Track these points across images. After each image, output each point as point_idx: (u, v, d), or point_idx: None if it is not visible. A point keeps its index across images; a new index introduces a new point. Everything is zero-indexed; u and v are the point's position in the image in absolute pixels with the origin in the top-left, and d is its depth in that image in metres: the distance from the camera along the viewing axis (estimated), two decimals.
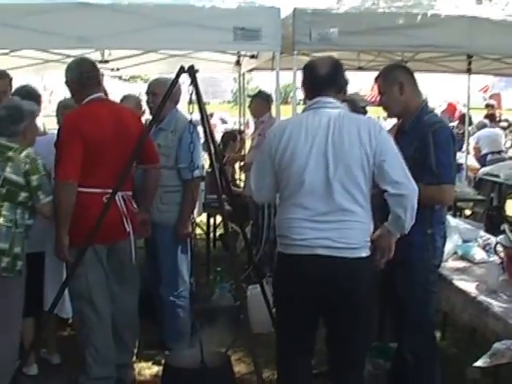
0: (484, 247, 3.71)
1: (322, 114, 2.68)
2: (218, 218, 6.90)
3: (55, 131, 3.88)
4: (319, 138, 2.64)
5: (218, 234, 7.28)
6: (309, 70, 2.75)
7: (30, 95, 3.74)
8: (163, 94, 3.65)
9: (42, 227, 3.61)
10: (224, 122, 16.33)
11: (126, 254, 3.52)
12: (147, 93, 4.12)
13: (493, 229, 3.96)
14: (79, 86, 3.43)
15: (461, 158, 7.20)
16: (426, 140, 2.86)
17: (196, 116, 3.32)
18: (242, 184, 6.90)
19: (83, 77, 3.41)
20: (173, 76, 3.32)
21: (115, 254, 3.54)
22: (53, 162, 3.44)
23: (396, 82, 3.06)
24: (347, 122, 2.66)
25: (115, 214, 3.41)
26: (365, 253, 2.71)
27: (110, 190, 3.36)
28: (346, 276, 2.64)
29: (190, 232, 3.88)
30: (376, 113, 8.57)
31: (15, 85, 4.14)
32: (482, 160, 9.13)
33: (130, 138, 3.40)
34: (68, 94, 3.80)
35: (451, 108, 14.78)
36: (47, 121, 4.35)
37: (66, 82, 3.52)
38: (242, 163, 6.85)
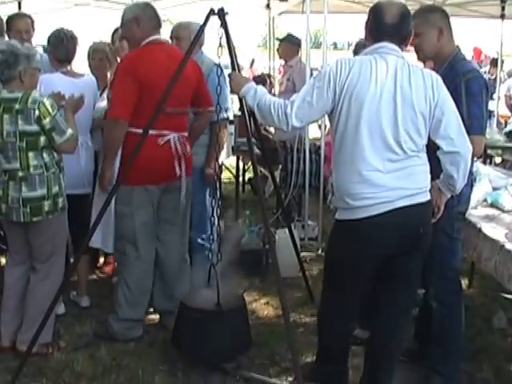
0: None
1: (389, 60, 2.57)
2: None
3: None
4: (388, 85, 2.53)
5: (247, 177, 7.24)
6: (376, 13, 2.61)
7: (67, 37, 3.70)
8: (186, 37, 3.52)
9: (82, 170, 3.65)
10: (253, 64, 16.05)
11: (177, 197, 3.48)
12: (171, 37, 4.03)
13: None
14: (139, 27, 3.36)
15: (492, 104, 6.96)
16: (459, 89, 2.77)
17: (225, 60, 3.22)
18: (271, 128, 6.79)
19: (145, 17, 3.35)
20: (201, 20, 3.21)
21: (167, 196, 3.50)
22: (88, 102, 3.48)
23: (435, 27, 2.95)
24: (413, 71, 2.58)
25: (168, 156, 3.36)
26: (430, 196, 2.68)
27: (165, 132, 3.33)
28: (421, 220, 2.61)
29: (215, 173, 3.83)
30: None
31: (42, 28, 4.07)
32: None
33: (186, 82, 3.34)
34: (94, 39, 3.75)
35: (476, 52, 14.27)
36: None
37: (123, 24, 3.44)
38: None
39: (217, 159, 3.86)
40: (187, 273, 3.76)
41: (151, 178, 3.38)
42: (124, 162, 3.38)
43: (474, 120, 2.74)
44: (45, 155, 3.19)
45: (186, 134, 3.54)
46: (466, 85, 2.80)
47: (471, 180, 3.04)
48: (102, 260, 4.73)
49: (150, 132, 3.21)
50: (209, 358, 3.16)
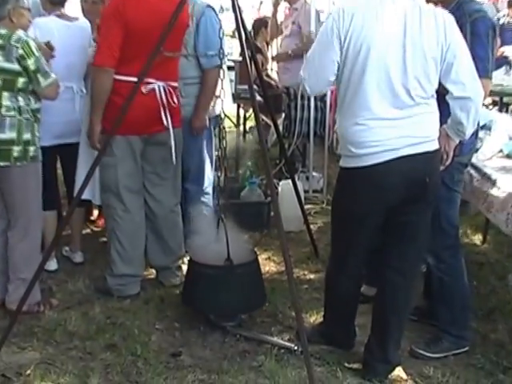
0: None
1: (396, 3, 2.50)
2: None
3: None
4: (396, 29, 2.47)
5: (248, 126, 7.15)
6: None
7: None
8: None
9: (77, 117, 3.58)
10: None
11: (164, 149, 3.43)
12: None
13: None
14: None
15: (508, 50, 6.75)
16: (464, 30, 2.67)
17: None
18: (274, 74, 6.63)
19: None
20: None
21: (152, 148, 3.47)
22: (82, 47, 3.47)
23: None
24: (424, 13, 2.50)
25: (152, 106, 3.30)
26: (438, 144, 2.64)
27: (151, 80, 3.26)
28: (428, 169, 2.59)
29: (205, 125, 3.69)
30: None
31: None
32: None
33: (179, 25, 3.23)
34: None
35: None
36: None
37: None
38: (275, 53, 6.55)
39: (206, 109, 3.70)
40: (180, 226, 3.73)
41: (132, 129, 3.31)
42: (108, 111, 3.28)
43: (479, 62, 2.64)
44: (20, 98, 3.08)
45: (175, 83, 3.44)
46: (472, 25, 2.74)
47: (476, 130, 2.94)
48: (95, 213, 4.67)
49: (131, 79, 3.15)
50: (224, 314, 3.18)
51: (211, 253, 3.17)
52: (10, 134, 3.07)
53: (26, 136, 3.12)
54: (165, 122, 3.34)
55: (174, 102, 3.40)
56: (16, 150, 3.10)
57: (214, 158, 4.00)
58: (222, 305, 3.11)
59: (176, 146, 3.45)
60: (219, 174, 3.30)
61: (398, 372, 2.84)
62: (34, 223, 3.25)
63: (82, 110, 3.60)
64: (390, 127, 2.50)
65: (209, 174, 4.00)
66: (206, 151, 3.96)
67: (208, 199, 4.02)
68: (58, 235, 3.14)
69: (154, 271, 3.84)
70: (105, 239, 4.03)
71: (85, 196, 3.35)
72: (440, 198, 2.82)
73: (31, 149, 3.16)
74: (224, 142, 3.27)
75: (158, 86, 3.31)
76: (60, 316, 3.31)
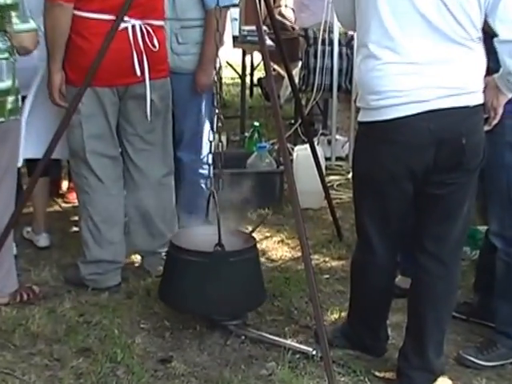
0: None
1: None
2: (257, 57, 6.72)
3: None
4: None
5: (256, 78, 7.18)
6: None
7: None
8: None
9: (34, 64, 3.57)
10: None
11: (142, 104, 3.45)
12: None
13: None
14: None
15: None
16: None
17: None
18: (289, 12, 6.56)
19: None
20: None
21: (132, 104, 3.50)
22: None
23: None
24: None
25: (125, 50, 3.30)
26: (482, 98, 2.63)
27: (126, 18, 3.24)
28: (465, 128, 2.58)
29: (212, 81, 3.68)
30: None
31: None
32: None
33: None
34: None
35: None
36: None
37: None
38: None
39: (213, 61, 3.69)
40: (170, 203, 3.75)
41: (100, 79, 3.29)
42: (70, 57, 3.31)
43: None
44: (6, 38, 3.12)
45: (157, 22, 3.44)
46: None
47: None
48: (65, 185, 4.69)
49: (101, 17, 3.18)
50: (207, 314, 3.18)
51: (199, 236, 3.18)
52: (8, 82, 3.12)
53: (17, 83, 3.17)
54: (137, 71, 3.33)
55: (153, 46, 3.37)
56: (10, 102, 3.14)
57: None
58: (207, 302, 3.10)
59: (159, 100, 3.46)
60: (213, 137, 3.29)
61: None
62: (5, 190, 3.27)
63: (43, 53, 3.55)
64: (416, 73, 2.52)
65: (208, 141, 3.99)
66: (205, 112, 3.95)
67: (205, 170, 3.96)
68: (17, 214, 3.14)
69: (138, 257, 3.85)
70: (76, 218, 4.05)
71: (54, 155, 3.37)
72: (506, 166, 2.82)
73: (20, 98, 3.23)
74: (218, 96, 3.25)
75: (132, 26, 3.30)
76: (20, 313, 3.30)
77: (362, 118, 2.71)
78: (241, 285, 3.12)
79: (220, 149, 3.21)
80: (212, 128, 3.75)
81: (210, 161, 3.40)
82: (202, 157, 3.96)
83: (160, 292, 3.25)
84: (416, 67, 2.51)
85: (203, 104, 3.92)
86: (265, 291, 3.29)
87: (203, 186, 3.93)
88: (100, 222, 3.51)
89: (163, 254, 3.68)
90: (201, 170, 3.97)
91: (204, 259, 3.08)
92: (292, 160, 4.60)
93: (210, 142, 3.33)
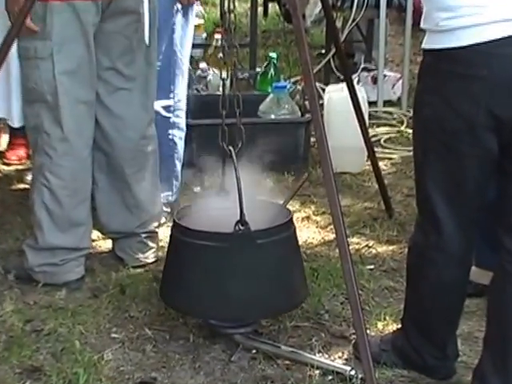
0: None
1: None
2: None
3: None
4: None
5: None
6: None
7: None
8: None
9: None
10: None
11: (132, 23, 3.54)
12: None
13: None
14: None
15: None
16: None
17: None
18: None
19: None
20: None
21: (112, 22, 3.53)
22: None
23: None
24: None
25: None
26: None
27: None
28: None
29: None
30: None
31: None
32: None
33: None
34: None
35: None
36: None
37: None
38: None
39: None
40: (155, 163, 3.79)
41: None
42: None
43: None
44: None
45: None
46: None
47: None
48: (3, 141, 4.75)
49: None
50: (230, 320, 3.21)
51: (210, 213, 3.20)
52: None
53: None
54: None
55: None
56: None
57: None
58: (231, 304, 3.11)
59: (150, 16, 3.53)
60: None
61: None
62: None
63: None
64: None
65: (183, 80, 4.10)
66: (180, 41, 4.01)
67: (181, 119, 4.12)
68: None
69: (108, 241, 3.88)
70: (22, 187, 4.12)
71: None
72: None
73: None
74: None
75: None
76: None
77: (427, 44, 2.71)
78: (273, 276, 3.14)
79: (231, 90, 3.22)
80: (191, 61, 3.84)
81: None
82: (175, 101, 4.06)
83: (162, 291, 3.29)
84: None
85: (180, 28, 4.02)
86: (306, 285, 3.30)
87: (178, 141, 4.06)
88: (64, 197, 3.54)
89: (143, 236, 3.74)
90: (174, 119, 4.07)
91: (221, 243, 3.09)
92: (322, 105, 4.61)
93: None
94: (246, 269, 3.08)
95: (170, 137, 4.11)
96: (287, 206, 3.40)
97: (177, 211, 3.41)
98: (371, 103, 5.27)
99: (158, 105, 4.02)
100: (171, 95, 4.10)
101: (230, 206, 3.09)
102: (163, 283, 3.29)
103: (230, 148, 3.12)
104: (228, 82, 3.25)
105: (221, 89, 3.26)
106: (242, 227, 3.04)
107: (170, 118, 4.10)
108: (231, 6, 3.16)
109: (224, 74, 3.25)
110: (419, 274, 2.93)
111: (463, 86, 2.62)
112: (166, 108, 4.09)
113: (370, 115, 4.91)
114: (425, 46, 2.72)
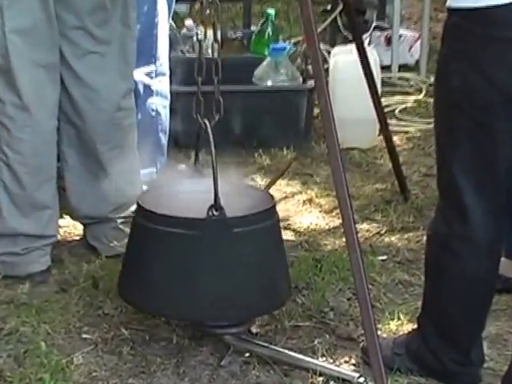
0: None
1: None
2: None
3: None
4: None
5: None
6: None
7: None
8: None
9: None
10: None
11: None
12: None
13: None
14: None
15: None
16: None
17: None
18: None
19: None
20: None
21: None
22: None
23: None
24: None
25: None
26: None
27: None
28: None
29: None
30: None
31: None
32: None
33: None
34: None
35: None
36: None
37: None
38: None
39: None
40: (133, 139, 3.81)
41: None
42: None
43: None
44: None
45: None
46: None
47: None
48: None
49: None
50: (198, 319, 3.21)
51: (183, 195, 3.22)
52: None
53: None
54: None
55: None
56: None
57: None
58: (200, 302, 3.09)
59: None
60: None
61: None
62: None
63: None
64: None
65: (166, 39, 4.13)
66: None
67: (164, 85, 4.15)
68: None
69: (79, 227, 3.90)
70: None
71: None
72: None
73: None
74: None
75: None
76: None
77: (455, 2, 2.71)
78: (251, 271, 3.13)
79: (213, 51, 3.17)
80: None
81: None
82: (156, 65, 4.10)
83: (121, 285, 3.27)
84: None
85: None
86: (289, 282, 3.31)
87: (162, 110, 4.10)
88: (24, 174, 3.56)
89: (119, 221, 3.76)
90: (157, 86, 4.10)
91: (192, 230, 3.08)
92: (328, 70, 4.61)
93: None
94: (219, 262, 3.08)
95: (153, 106, 4.14)
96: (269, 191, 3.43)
97: (141, 193, 3.44)
98: (384, 68, 5.30)
99: (139, 72, 4.04)
100: (153, 59, 4.12)
101: (205, 188, 3.07)
102: (122, 276, 3.28)
103: (205, 121, 3.10)
104: (211, 44, 3.19)
105: (208, 51, 3.23)
106: (215, 213, 3.02)
107: (151, 85, 4.11)
108: None
109: (201, 35, 3.25)
110: (440, 267, 2.94)
111: (499, 51, 2.63)
112: (148, 74, 4.11)
113: (382, 82, 4.93)
114: (451, 3, 2.71)
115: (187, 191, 3.24)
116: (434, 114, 2.89)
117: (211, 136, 3.03)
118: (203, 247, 3.07)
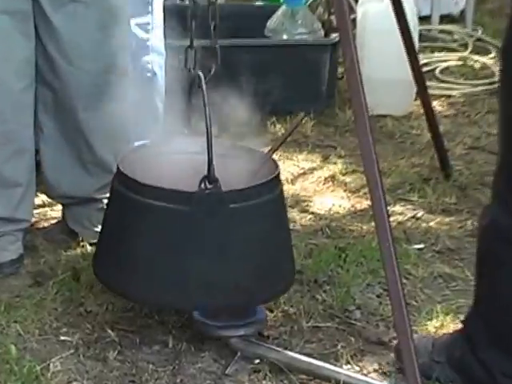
0: None
1: None
2: None
3: None
4: None
5: None
6: None
7: None
8: None
9: None
10: None
11: None
12: None
13: None
14: None
15: None
16: None
17: None
18: None
19: None
20: None
21: None
22: None
23: None
24: None
25: None
26: None
27: None
28: None
29: None
30: None
31: None
32: None
33: None
34: None
35: None
36: None
37: None
38: None
39: None
40: (123, 108, 3.77)
41: None
42: None
43: None
44: None
45: None
46: None
47: None
48: None
49: None
50: (188, 309, 3.26)
51: (172, 161, 3.25)
52: None
53: None
54: None
55: None
56: None
57: None
58: (189, 287, 3.11)
59: None
60: None
61: None
62: None
63: None
64: None
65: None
66: None
67: (159, 40, 4.19)
68: None
69: (57, 208, 3.95)
70: None
71: None
72: None
73: None
74: None
75: None
76: None
77: None
78: (249, 252, 3.16)
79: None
80: None
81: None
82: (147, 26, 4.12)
83: (97, 266, 3.30)
84: None
85: None
86: (293, 265, 3.33)
87: (158, 70, 4.14)
88: None
89: (105, 202, 3.74)
90: (153, 40, 4.14)
91: (180, 205, 3.09)
92: (355, 21, 4.64)
93: None
94: (212, 241, 3.11)
95: (149, 65, 4.15)
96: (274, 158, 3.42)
97: (121, 156, 3.40)
98: (423, 18, 5.33)
99: (131, 24, 4.04)
100: (149, 8, 4.13)
101: (198, 149, 3.13)
102: (98, 254, 3.31)
103: (199, 73, 3.09)
104: None
105: None
106: (209, 185, 3.04)
107: (147, 39, 4.13)
108: None
109: None
110: (498, 261, 2.94)
111: None
112: (142, 26, 4.12)
113: (420, 35, 4.92)
114: None
115: (178, 152, 3.28)
116: (500, 77, 2.88)
117: (204, 92, 3.03)
118: (194, 225, 3.10)
